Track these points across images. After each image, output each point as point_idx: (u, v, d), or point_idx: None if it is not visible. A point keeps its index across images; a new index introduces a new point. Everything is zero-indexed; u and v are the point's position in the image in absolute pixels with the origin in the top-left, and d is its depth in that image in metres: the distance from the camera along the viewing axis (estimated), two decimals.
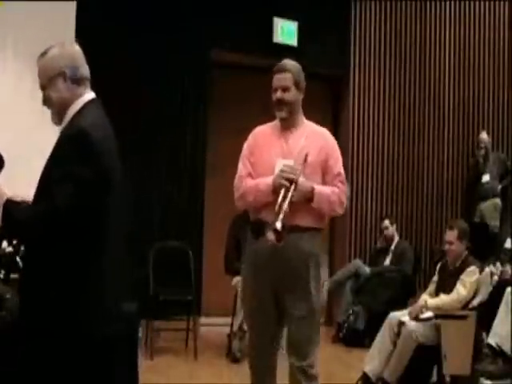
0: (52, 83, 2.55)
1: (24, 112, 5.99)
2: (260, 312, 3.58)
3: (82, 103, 2.57)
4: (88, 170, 2.39)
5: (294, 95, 3.58)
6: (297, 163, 3.47)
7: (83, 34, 6.05)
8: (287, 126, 3.60)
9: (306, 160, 3.48)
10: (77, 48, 2.63)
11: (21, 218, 2.39)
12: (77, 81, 2.57)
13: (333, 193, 3.53)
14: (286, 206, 3.32)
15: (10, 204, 2.42)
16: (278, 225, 3.26)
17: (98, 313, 2.46)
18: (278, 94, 3.56)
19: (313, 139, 3.58)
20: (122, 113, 6.45)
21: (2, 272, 3.92)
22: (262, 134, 3.66)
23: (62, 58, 2.56)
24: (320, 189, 3.51)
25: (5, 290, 3.58)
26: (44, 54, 2.59)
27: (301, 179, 3.43)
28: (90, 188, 2.41)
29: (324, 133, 3.69)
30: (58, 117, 2.59)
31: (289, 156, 3.52)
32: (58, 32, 6.06)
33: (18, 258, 3.95)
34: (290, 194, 3.35)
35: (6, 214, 2.40)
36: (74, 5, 6.64)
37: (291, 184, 3.38)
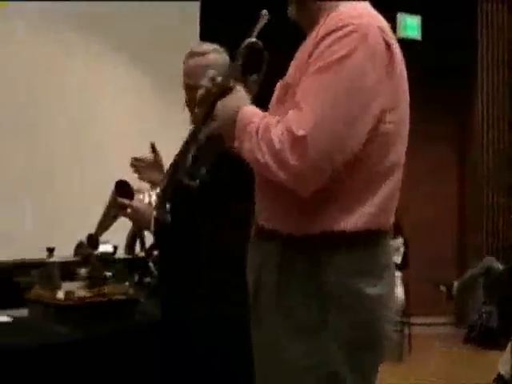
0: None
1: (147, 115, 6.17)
2: None
3: None
4: None
5: None
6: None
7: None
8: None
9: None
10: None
11: None
12: None
13: (266, 128, 1.55)
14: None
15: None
16: None
17: None
18: None
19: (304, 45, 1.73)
20: None
21: (136, 276, 4.09)
22: None
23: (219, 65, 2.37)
24: (250, 113, 1.63)
25: (139, 294, 3.73)
26: (200, 54, 2.44)
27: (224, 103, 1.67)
28: None
29: (325, 26, 1.66)
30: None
31: None
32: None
33: (150, 263, 4.11)
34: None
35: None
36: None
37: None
